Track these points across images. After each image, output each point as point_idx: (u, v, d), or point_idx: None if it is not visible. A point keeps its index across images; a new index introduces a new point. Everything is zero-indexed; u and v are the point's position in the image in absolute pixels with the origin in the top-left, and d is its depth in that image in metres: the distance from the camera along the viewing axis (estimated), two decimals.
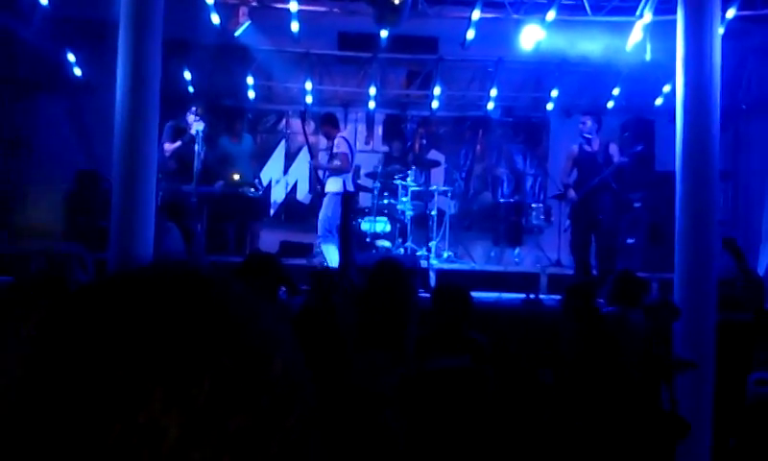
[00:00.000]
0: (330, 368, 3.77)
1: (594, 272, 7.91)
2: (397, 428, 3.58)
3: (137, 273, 0.61)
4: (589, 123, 8.14)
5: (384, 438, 3.52)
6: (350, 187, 8.46)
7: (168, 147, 7.77)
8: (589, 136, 8.15)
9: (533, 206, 10.36)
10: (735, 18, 8.41)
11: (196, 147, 7.59)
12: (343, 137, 8.61)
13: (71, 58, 10.02)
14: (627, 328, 4.34)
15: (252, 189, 9.23)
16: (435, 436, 3.45)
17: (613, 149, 8.15)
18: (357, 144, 11.38)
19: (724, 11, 7.73)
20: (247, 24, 9.66)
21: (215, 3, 9.08)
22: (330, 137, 8.72)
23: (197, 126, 7.63)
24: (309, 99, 11.00)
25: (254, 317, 0.60)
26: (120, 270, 0.65)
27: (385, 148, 11.37)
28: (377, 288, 3.94)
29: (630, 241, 9.60)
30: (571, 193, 8.07)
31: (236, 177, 8.67)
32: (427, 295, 5.40)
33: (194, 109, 7.96)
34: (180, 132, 7.88)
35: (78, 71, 10.11)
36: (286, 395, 0.57)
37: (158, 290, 0.58)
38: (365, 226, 9.18)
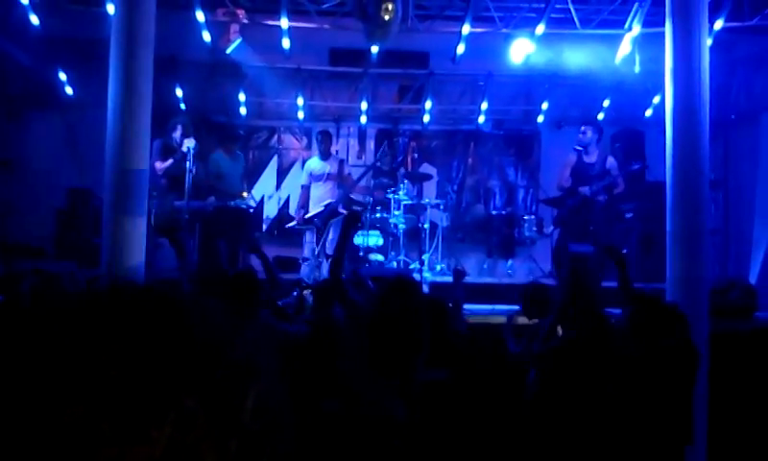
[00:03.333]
0: (337, 391, 3.73)
1: None
2: (407, 458, 3.54)
3: (96, 299, 0.55)
4: (590, 133, 8.13)
5: None
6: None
7: (159, 166, 7.74)
8: (580, 148, 8.16)
9: (525, 217, 10.39)
10: (723, 29, 8.48)
11: (187, 164, 7.59)
12: None
13: (62, 76, 10.02)
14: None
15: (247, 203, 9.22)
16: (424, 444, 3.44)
17: (611, 163, 8.14)
18: (349, 159, 11.41)
19: (712, 22, 7.79)
20: (238, 41, 9.68)
21: (206, 20, 9.11)
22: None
23: (188, 143, 7.62)
24: (301, 115, 11.02)
25: (226, 347, 0.54)
26: (77, 296, 0.58)
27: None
28: (391, 312, 3.82)
29: (623, 252, 9.62)
30: (585, 189, 7.90)
31: (245, 195, 8.72)
32: None
33: (180, 126, 7.96)
34: (170, 149, 7.86)
35: (69, 89, 10.11)
36: (258, 433, 0.52)
37: (120, 320, 0.52)
38: (358, 240, 9.18)
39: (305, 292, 6.76)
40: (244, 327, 0.59)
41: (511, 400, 4.01)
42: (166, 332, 0.52)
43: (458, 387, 3.69)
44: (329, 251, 8.27)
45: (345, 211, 8.64)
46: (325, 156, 9.31)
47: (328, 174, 9.14)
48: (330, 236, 8.51)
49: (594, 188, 7.89)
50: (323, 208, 8.77)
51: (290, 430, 0.55)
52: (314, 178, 9.25)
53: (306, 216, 9.11)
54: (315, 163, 9.35)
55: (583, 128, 8.24)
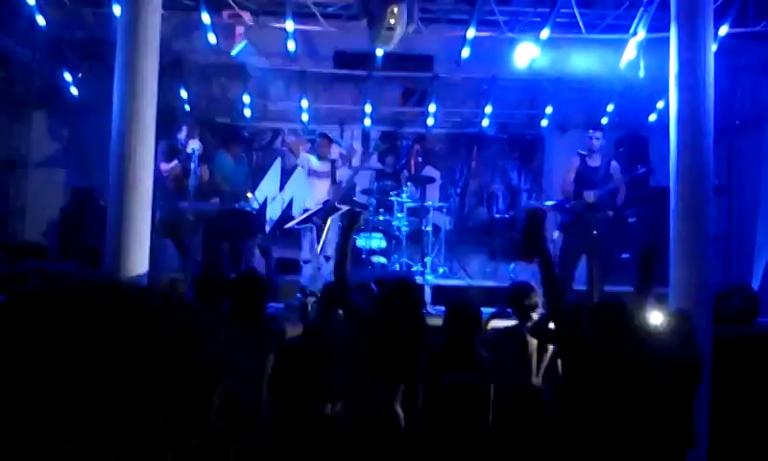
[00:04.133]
0: (337, 395, 3.73)
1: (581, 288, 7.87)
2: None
3: (66, 295, 0.54)
4: (601, 138, 8.12)
5: None
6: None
7: (165, 167, 7.77)
8: (584, 152, 8.13)
9: None
10: (728, 35, 8.47)
11: (192, 165, 7.61)
12: None
13: (68, 77, 10.04)
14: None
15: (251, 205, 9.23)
16: (444, 448, 3.43)
17: (614, 167, 8.12)
18: (353, 161, 11.41)
19: (717, 27, 7.79)
20: (243, 43, 9.69)
21: (212, 22, 9.12)
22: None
23: (193, 144, 7.64)
24: (305, 117, 11.04)
25: (194, 347, 0.51)
26: (44, 291, 0.57)
27: (378, 165, 11.38)
28: (393, 311, 3.82)
29: (625, 256, 9.62)
30: (589, 195, 7.86)
31: (249, 196, 8.73)
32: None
33: (184, 127, 7.97)
34: (175, 150, 7.89)
35: (74, 90, 10.13)
36: (223, 431, 0.49)
37: (87, 317, 0.51)
38: (360, 242, 9.18)
39: (309, 299, 6.76)
40: (218, 327, 0.58)
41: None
42: (131, 332, 0.51)
43: (481, 390, 3.70)
44: (329, 252, 8.27)
45: (343, 206, 8.63)
46: (323, 157, 9.33)
47: (325, 173, 9.17)
48: (330, 236, 8.49)
49: (600, 192, 7.86)
50: (321, 206, 8.79)
51: (260, 429, 0.54)
52: (311, 173, 9.26)
53: (304, 215, 9.11)
54: (314, 160, 9.40)
55: (592, 132, 8.18)
